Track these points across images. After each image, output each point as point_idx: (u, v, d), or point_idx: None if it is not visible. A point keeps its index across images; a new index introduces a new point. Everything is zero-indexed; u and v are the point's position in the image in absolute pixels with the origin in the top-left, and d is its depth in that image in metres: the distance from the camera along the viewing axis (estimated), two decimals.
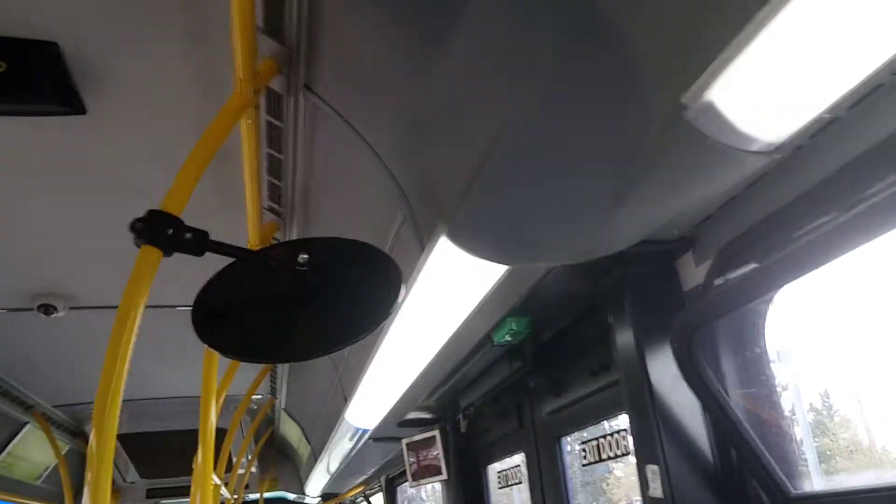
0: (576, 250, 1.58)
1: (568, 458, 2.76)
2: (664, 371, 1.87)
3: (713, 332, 1.87)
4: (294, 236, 2.76)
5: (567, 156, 1.23)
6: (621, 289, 1.98)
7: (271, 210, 2.67)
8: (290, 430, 6.78)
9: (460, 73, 1.29)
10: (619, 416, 2.33)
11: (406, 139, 1.71)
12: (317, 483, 6.99)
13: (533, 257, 1.65)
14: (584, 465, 2.51)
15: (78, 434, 6.17)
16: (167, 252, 1.44)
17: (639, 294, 1.95)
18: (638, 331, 1.91)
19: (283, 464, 8.19)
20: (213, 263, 1.61)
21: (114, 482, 4.75)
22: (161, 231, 1.43)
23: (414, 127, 1.61)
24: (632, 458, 2.01)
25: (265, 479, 7.93)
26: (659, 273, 1.97)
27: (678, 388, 1.85)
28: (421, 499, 6.84)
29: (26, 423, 5.25)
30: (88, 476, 1.29)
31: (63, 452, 5.90)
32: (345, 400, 3.73)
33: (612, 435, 2.34)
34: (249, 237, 2.50)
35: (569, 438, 2.78)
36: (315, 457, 6.04)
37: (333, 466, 5.64)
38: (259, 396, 5.75)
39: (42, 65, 1.75)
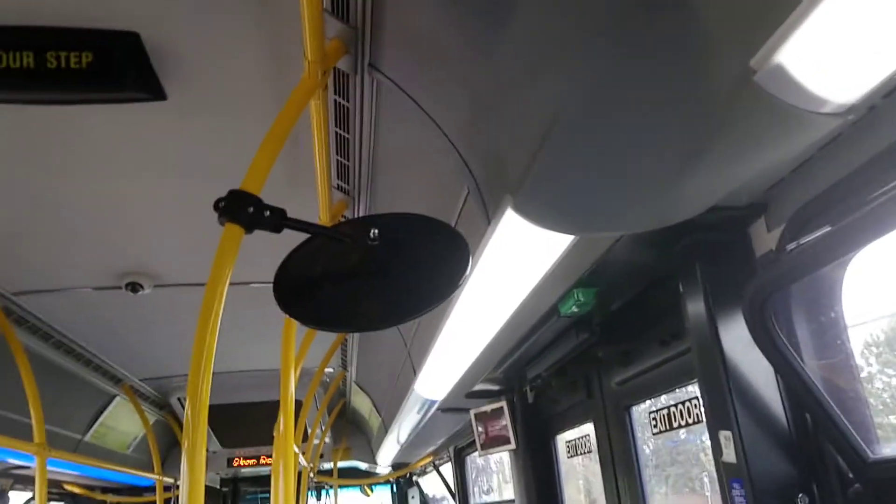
0: (644, 219, 1.58)
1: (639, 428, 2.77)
2: (736, 338, 1.86)
3: (786, 297, 1.84)
4: (361, 213, 2.83)
5: (634, 124, 1.23)
6: (692, 257, 1.96)
7: (339, 188, 2.74)
8: (361, 402, 6.97)
9: (524, 45, 1.30)
10: (689, 385, 2.32)
11: (470, 114, 1.73)
12: (387, 453, 7.18)
13: (600, 227, 1.65)
14: (654, 434, 2.51)
15: (163, 406, 6.52)
16: (248, 229, 1.51)
17: (710, 262, 1.93)
18: (709, 299, 1.90)
19: (354, 435, 8.45)
20: (283, 242, 1.68)
21: None
22: (242, 209, 1.49)
23: (478, 101, 1.63)
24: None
25: (338, 449, 8.20)
26: (730, 240, 1.94)
27: (750, 354, 1.84)
28: (490, 469, 6.94)
29: (116, 396, 5.59)
30: (185, 444, 1.37)
31: (150, 423, 6.26)
32: (414, 372, 3.82)
33: (682, 403, 2.33)
34: (320, 215, 2.58)
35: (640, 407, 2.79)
36: (385, 428, 6.20)
37: (403, 437, 5.78)
38: (331, 370, 5.93)
39: (125, 54, 1.84)
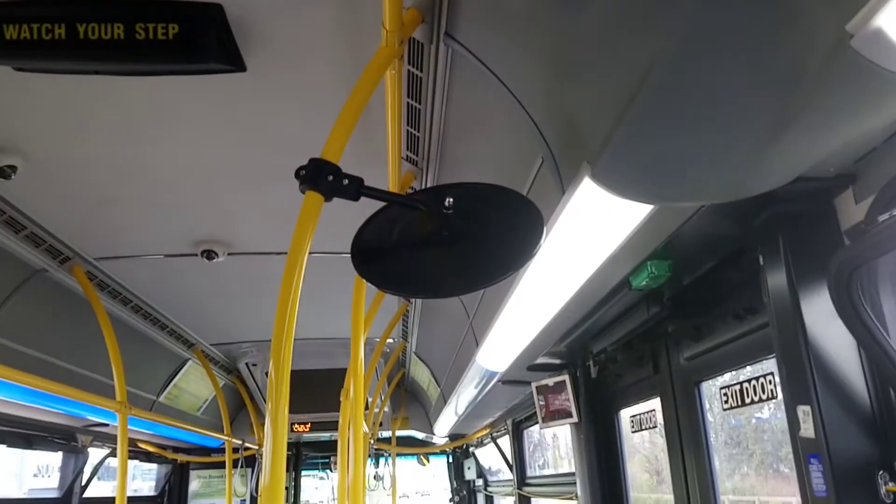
0: (728, 189, 1.54)
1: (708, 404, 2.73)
2: (818, 312, 1.81)
3: (873, 271, 1.78)
4: (429, 184, 2.85)
5: (721, 90, 1.20)
6: (774, 229, 1.91)
7: (408, 159, 2.77)
8: (420, 373, 7.09)
9: (608, 10, 1.28)
10: (764, 361, 2.27)
11: (547, 81, 1.71)
12: (444, 424, 7.28)
13: (681, 197, 1.62)
14: (724, 409, 2.48)
15: (231, 370, 6.78)
16: (328, 197, 1.54)
17: (793, 234, 1.88)
18: (791, 272, 1.85)
19: (412, 404, 8.60)
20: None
21: (262, 416, 5.24)
22: (323, 177, 1.52)
23: (556, 68, 1.61)
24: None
25: (397, 418, 8.37)
26: (815, 212, 1.88)
27: (833, 329, 1.79)
28: (547, 444, 6.96)
29: (188, 360, 5.84)
30: (269, 406, 1.43)
31: (220, 386, 6.53)
32: (476, 343, 3.85)
33: (756, 379, 2.29)
34: (389, 186, 2.61)
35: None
36: (444, 398, 6.29)
37: (461, 408, 5.85)
38: (391, 340, 6.05)
39: (209, 26, 1.89)
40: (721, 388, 2.52)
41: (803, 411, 1.79)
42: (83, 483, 5.86)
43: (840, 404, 1.77)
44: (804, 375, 1.80)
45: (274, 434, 1.43)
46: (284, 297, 1.49)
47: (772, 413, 2.57)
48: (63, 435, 5.54)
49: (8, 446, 4.83)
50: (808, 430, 1.77)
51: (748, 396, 2.34)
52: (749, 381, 2.34)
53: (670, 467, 2.91)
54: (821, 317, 1.82)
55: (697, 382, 2.74)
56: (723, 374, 2.56)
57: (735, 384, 2.42)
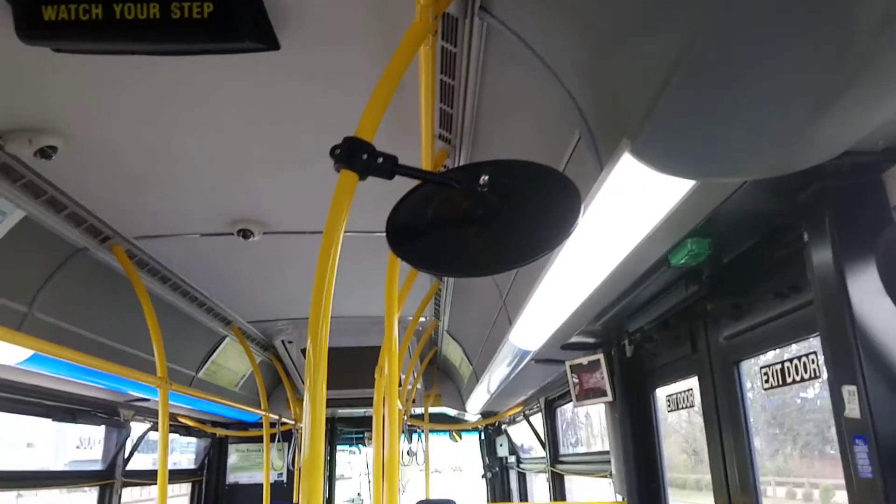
0: (772, 164, 1.50)
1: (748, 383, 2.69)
2: (865, 290, 1.77)
3: None
4: (463, 162, 2.83)
5: (767, 63, 1.16)
6: (819, 205, 1.86)
7: (441, 137, 2.74)
8: (453, 351, 7.12)
9: None
10: (806, 340, 2.22)
11: (586, 55, 1.67)
12: (477, 401, 7.32)
13: (724, 172, 1.58)
14: (765, 389, 2.44)
15: (268, 347, 6.90)
16: (362, 175, 1.53)
17: (839, 209, 1.82)
18: (837, 248, 1.80)
19: (444, 382, 8.67)
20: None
21: (296, 391, 5.31)
22: (357, 156, 1.52)
23: (596, 41, 1.58)
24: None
25: (429, 395, 8.45)
26: (862, 186, 1.82)
27: (880, 307, 1.74)
28: (580, 422, 6.96)
29: (226, 337, 5.95)
30: (307, 382, 1.44)
31: (257, 363, 6.66)
32: (509, 322, 3.84)
33: (798, 358, 2.24)
34: (423, 164, 2.60)
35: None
36: (476, 376, 6.31)
37: (494, 386, 5.87)
38: (423, 319, 6.08)
39: (243, 4, 1.88)
40: (761, 368, 2.48)
41: (848, 391, 1.74)
42: (126, 456, 6.04)
43: (887, 384, 1.73)
44: (849, 355, 1.75)
45: (313, 410, 1.45)
46: (321, 275, 1.49)
47: (817, 393, 2.52)
48: (106, 409, 5.70)
49: (54, 420, 4.99)
50: (853, 410, 1.73)
51: (790, 376, 2.29)
52: (791, 360, 2.29)
53: (708, 447, 2.88)
54: (867, 294, 1.77)
55: (737, 362, 2.70)
56: (764, 353, 2.52)
57: (776, 363, 2.37)
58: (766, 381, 2.43)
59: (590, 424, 6.75)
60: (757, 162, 1.50)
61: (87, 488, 6.03)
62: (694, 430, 3.70)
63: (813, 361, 2.19)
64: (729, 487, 2.71)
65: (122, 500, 6.04)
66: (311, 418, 1.46)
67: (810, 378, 2.19)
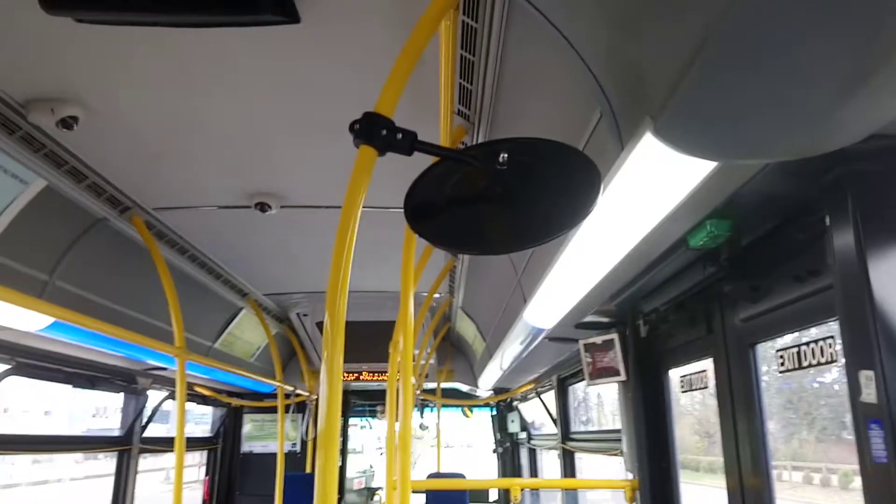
0: (797, 146, 1.48)
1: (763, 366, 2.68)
2: (887, 275, 1.75)
3: None
4: (481, 140, 2.82)
5: (796, 44, 1.14)
6: (843, 188, 1.83)
7: (459, 113, 2.73)
8: (466, 328, 7.15)
9: None
10: (825, 324, 2.21)
11: (610, 32, 1.65)
12: (489, 378, 7.37)
13: (748, 153, 1.56)
14: (780, 372, 2.43)
15: (283, 320, 6.97)
16: (381, 151, 1.53)
17: (863, 193, 1.80)
18: (860, 232, 1.78)
19: (457, 358, 8.73)
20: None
21: (310, 363, 5.37)
22: (377, 132, 1.51)
23: (620, 17, 1.55)
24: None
25: (442, 371, 8.52)
26: (887, 170, 1.80)
27: None
28: (588, 403, 7.00)
29: (242, 309, 6.02)
30: (325, 355, 1.46)
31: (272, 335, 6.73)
32: (524, 300, 3.85)
33: (815, 342, 2.23)
34: (441, 141, 2.59)
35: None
36: (489, 353, 6.35)
37: (506, 363, 5.90)
38: (438, 295, 6.11)
39: None
40: (777, 351, 2.47)
41: (866, 376, 1.74)
42: (143, 423, 6.15)
43: None
44: (868, 339, 1.74)
45: (329, 381, 1.47)
46: (339, 250, 1.50)
47: (835, 378, 2.51)
48: (124, 377, 5.80)
49: (74, 386, 5.08)
50: (869, 395, 1.72)
51: (806, 359, 2.29)
52: (808, 343, 2.28)
53: (721, 428, 2.88)
54: (889, 280, 1.76)
55: (752, 344, 2.69)
56: (781, 335, 2.51)
57: (793, 347, 2.36)
58: (782, 364, 2.42)
59: (601, 404, 6.79)
60: (781, 144, 1.48)
61: (100, 456, 6.17)
62: (707, 412, 3.70)
63: (830, 345, 2.18)
64: (741, 469, 2.72)
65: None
66: (327, 390, 1.48)
67: (827, 362, 2.18)
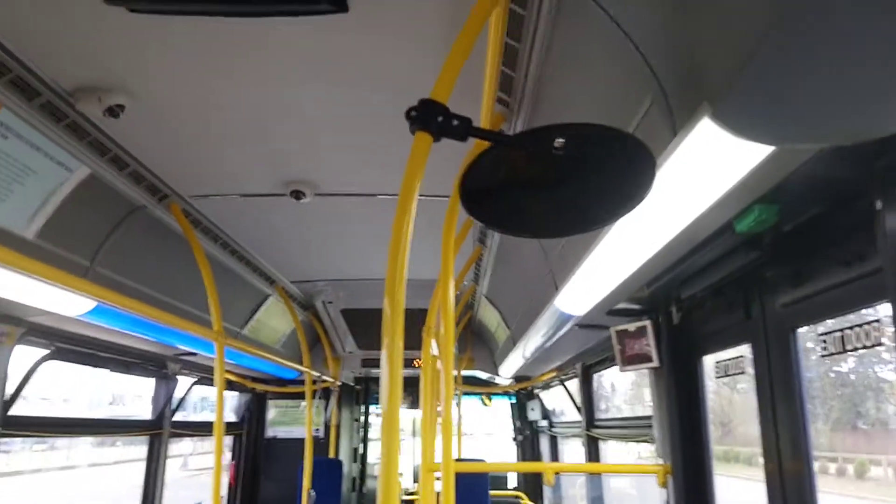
0: (857, 130, 1.49)
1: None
2: None
3: None
4: (519, 127, 2.83)
5: (863, 29, 1.15)
6: (894, 173, 1.83)
7: (499, 100, 2.74)
8: (489, 316, 7.17)
9: None
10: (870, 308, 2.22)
11: (664, 17, 1.66)
12: (511, 366, 7.38)
13: (806, 138, 1.57)
14: (822, 356, 2.44)
15: (308, 307, 7.03)
16: (437, 137, 1.56)
17: None
18: None
19: (478, 346, 8.76)
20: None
21: (334, 350, 5.43)
22: (433, 118, 1.54)
23: (677, 4, 1.56)
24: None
25: (462, 359, 8.56)
26: None
27: None
28: (606, 391, 7.03)
29: (269, 296, 6.08)
30: (385, 340, 1.50)
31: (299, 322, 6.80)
32: (555, 287, 3.86)
33: (859, 326, 2.24)
34: (481, 126, 2.60)
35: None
36: (513, 341, 6.36)
37: (530, 351, 5.91)
38: (463, 284, 6.14)
39: None
40: (820, 335, 2.48)
41: None
42: (173, 408, 6.26)
43: None
44: None
45: (390, 366, 1.51)
46: (396, 238, 1.54)
47: (851, 367, 2.52)
48: (156, 362, 5.90)
49: (112, 371, 5.18)
50: None
51: (849, 343, 2.29)
52: (852, 327, 2.28)
53: (759, 414, 2.89)
54: None
55: (793, 329, 2.69)
56: (823, 320, 2.51)
57: (836, 331, 2.37)
58: (825, 349, 2.43)
59: (623, 391, 6.80)
60: (842, 128, 1.49)
61: (118, 443, 6.27)
62: (721, 401, 3.71)
63: (876, 329, 2.18)
64: (780, 454, 2.73)
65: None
66: (388, 375, 1.51)
67: (872, 346, 2.19)
